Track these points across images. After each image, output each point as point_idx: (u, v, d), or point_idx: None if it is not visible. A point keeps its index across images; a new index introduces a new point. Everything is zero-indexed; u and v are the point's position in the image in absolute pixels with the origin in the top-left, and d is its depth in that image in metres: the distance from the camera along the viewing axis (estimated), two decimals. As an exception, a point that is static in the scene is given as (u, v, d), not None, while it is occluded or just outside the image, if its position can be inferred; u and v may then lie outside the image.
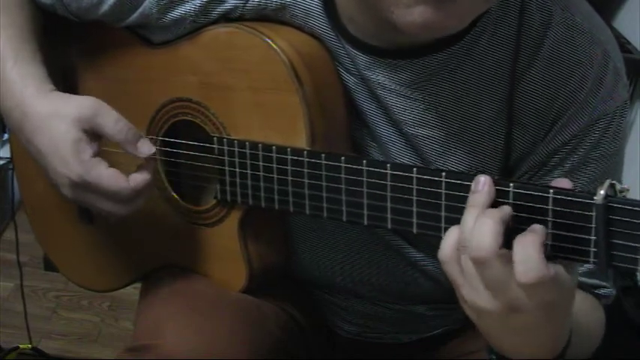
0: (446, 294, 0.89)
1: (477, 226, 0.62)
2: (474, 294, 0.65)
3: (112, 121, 0.81)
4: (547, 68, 0.79)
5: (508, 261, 0.61)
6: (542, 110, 0.80)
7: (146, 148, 0.82)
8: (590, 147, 0.81)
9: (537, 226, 0.63)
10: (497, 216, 0.63)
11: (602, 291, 0.86)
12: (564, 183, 0.65)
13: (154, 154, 0.83)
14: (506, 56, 0.79)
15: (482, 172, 0.67)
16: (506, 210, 0.64)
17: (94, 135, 0.82)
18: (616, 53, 0.83)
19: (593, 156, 0.82)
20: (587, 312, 0.82)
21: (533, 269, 0.60)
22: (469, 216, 0.64)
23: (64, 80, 0.96)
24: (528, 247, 0.61)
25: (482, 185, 0.65)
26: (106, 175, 0.80)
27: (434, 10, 0.68)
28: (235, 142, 0.83)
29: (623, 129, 0.84)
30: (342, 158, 0.75)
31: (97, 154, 0.81)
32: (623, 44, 1.82)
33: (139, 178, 0.82)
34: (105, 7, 0.87)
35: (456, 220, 0.68)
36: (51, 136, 0.81)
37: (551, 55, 0.79)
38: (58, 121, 0.81)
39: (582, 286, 0.83)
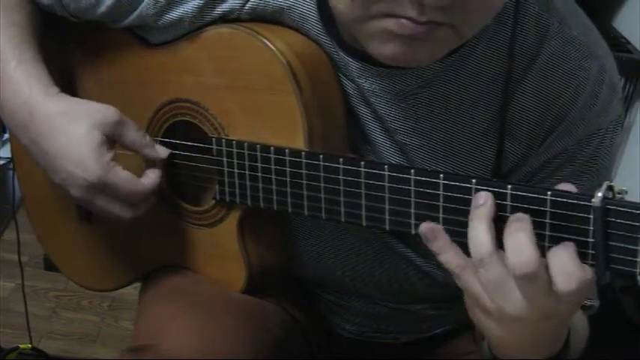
0: (446, 294, 0.89)
1: (510, 242, 0.62)
2: (503, 304, 0.65)
3: (133, 130, 0.85)
4: (541, 81, 0.79)
5: (545, 268, 0.62)
6: (535, 122, 0.80)
7: (163, 150, 0.87)
8: (583, 160, 0.81)
9: (569, 243, 0.63)
10: (527, 227, 0.63)
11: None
12: (568, 187, 0.65)
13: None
14: (500, 68, 0.78)
15: None
16: (527, 218, 0.64)
17: (112, 140, 0.84)
18: (612, 68, 0.82)
19: (586, 169, 0.81)
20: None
21: (574, 276, 0.61)
22: (480, 229, 0.64)
23: (62, 80, 0.96)
24: (563, 256, 0.62)
25: (485, 199, 0.65)
26: (123, 177, 0.83)
27: (405, 48, 0.70)
28: (234, 142, 0.83)
29: (617, 143, 0.83)
30: (340, 160, 0.75)
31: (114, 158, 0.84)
32: (623, 44, 1.82)
33: (152, 179, 0.86)
34: (102, 8, 0.87)
35: (453, 222, 0.68)
36: (66, 138, 0.83)
37: (545, 67, 0.78)
38: (77, 123, 0.83)
39: None
